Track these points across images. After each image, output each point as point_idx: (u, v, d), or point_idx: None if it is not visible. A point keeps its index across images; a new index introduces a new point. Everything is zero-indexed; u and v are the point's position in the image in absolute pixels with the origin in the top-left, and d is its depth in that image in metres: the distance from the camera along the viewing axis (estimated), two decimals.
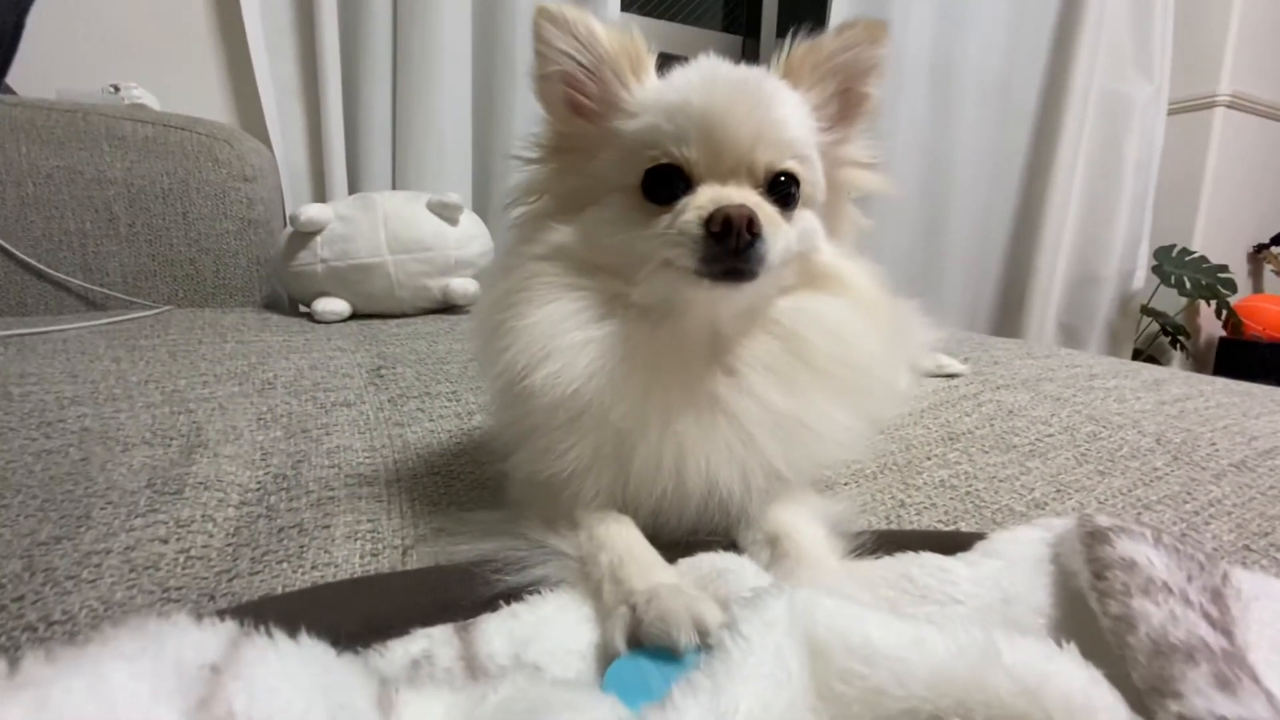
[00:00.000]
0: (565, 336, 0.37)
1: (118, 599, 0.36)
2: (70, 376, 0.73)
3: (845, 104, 0.42)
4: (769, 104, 0.38)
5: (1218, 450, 0.57)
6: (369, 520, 0.44)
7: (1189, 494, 0.49)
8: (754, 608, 0.24)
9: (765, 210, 0.35)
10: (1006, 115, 2.02)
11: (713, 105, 0.36)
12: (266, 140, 1.35)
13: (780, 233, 0.36)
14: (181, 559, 0.40)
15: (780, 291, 0.40)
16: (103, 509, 0.45)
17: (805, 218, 0.40)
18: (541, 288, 0.39)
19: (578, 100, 0.40)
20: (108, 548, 0.40)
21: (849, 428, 0.40)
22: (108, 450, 0.54)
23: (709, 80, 0.38)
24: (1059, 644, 0.25)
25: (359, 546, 0.41)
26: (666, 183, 0.37)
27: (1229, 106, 2.22)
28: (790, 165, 0.38)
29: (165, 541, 0.41)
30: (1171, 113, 2.17)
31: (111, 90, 1.22)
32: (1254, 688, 0.22)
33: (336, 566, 0.39)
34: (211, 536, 0.43)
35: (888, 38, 0.41)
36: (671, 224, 0.35)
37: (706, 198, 0.35)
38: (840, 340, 0.39)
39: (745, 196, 0.35)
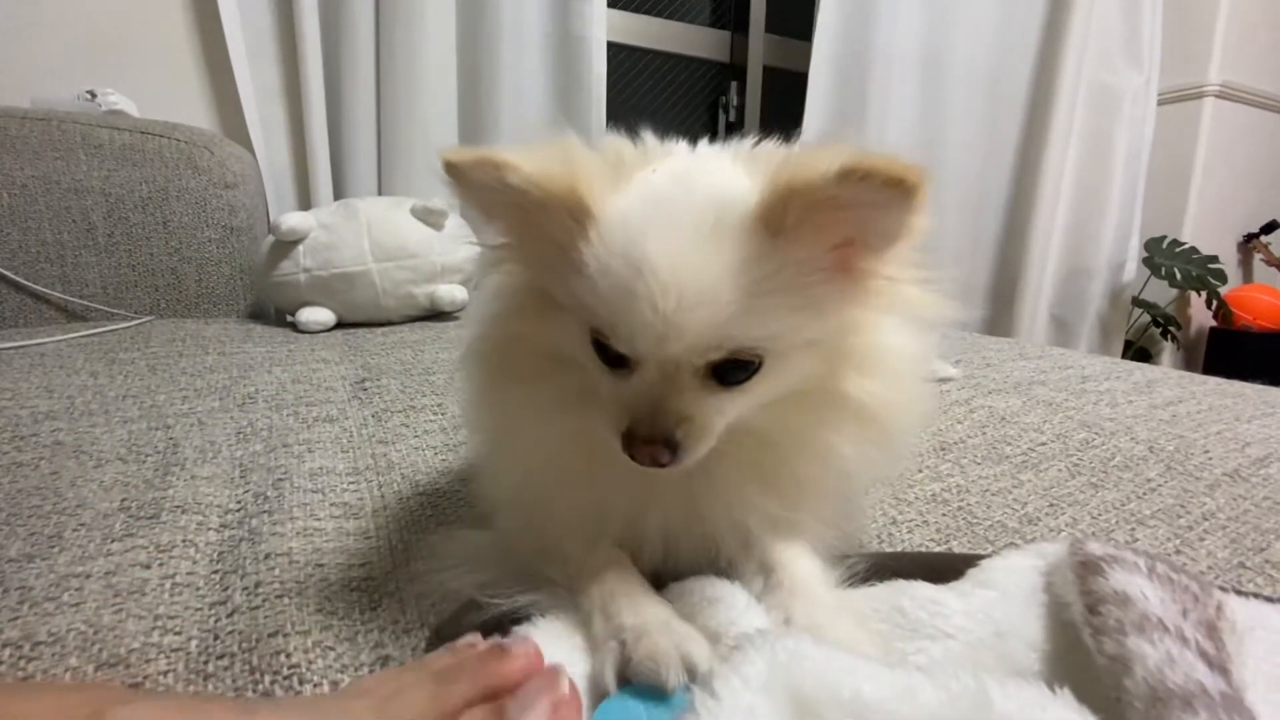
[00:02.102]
0: (526, 426, 0.36)
1: (105, 623, 0.36)
2: (46, 391, 0.71)
3: (852, 256, 0.31)
4: (703, 289, 0.29)
5: (1211, 459, 0.56)
6: (360, 565, 0.42)
7: (1183, 507, 0.48)
8: (732, 663, 0.23)
9: (689, 413, 0.31)
10: (996, 107, 2.02)
11: (636, 296, 0.29)
12: (248, 145, 1.33)
13: (712, 423, 0.32)
14: (167, 585, 0.39)
15: (764, 406, 0.34)
16: (75, 530, 0.44)
17: (787, 361, 0.32)
18: (514, 367, 0.37)
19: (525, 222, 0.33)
20: (86, 571, 0.40)
21: (838, 516, 0.38)
22: (80, 465, 0.54)
23: (636, 255, 0.29)
24: (1053, 685, 0.24)
25: (356, 599, 0.39)
26: (608, 348, 0.32)
27: (1218, 96, 2.22)
28: (739, 354, 0.31)
29: (147, 567, 0.41)
30: (1161, 103, 2.17)
31: (88, 97, 1.20)
32: None
33: (338, 616, 0.38)
34: (195, 562, 0.42)
35: (923, 197, 0.28)
36: (604, 401, 0.33)
37: (630, 394, 0.32)
38: (822, 464, 0.35)
39: (667, 403, 0.31)
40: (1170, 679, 0.23)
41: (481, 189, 0.32)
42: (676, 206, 0.31)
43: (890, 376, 0.34)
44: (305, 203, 1.42)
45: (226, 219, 1.20)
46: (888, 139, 1.87)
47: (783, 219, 0.29)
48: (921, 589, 0.32)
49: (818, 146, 0.30)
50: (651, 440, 0.31)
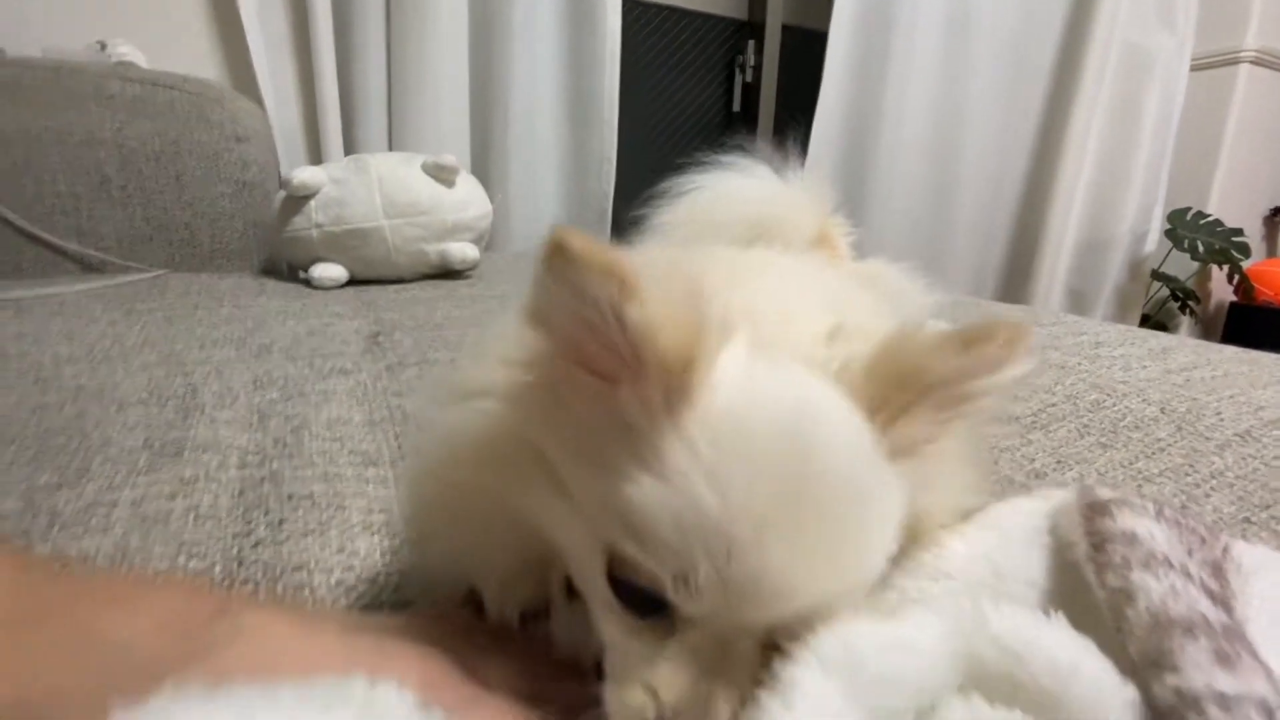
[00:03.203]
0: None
1: (133, 545, 0.37)
2: (67, 337, 0.73)
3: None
4: (854, 554, 0.24)
5: (1223, 420, 0.56)
6: (380, 511, 0.43)
7: (1191, 465, 0.48)
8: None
9: (745, 688, 0.23)
10: (1022, 70, 1.96)
11: (741, 558, 0.21)
12: (258, 99, 1.32)
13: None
14: (191, 515, 0.41)
15: None
16: (101, 464, 0.46)
17: None
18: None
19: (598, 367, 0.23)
20: (114, 500, 0.41)
21: None
22: (102, 408, 0.55)
23: (789, 523, 0.21)
24: (1047, 613, 0.25)
25: (377, 542, 0.40)
26: (639, 587, 0.22)
27: (1254, 63, 2.14)
28: None
29: (172, 498, 0.42)
30: (1194, 69, 2.10)
31: (98, 47, 1.19)
32: (1253, 663, 0.22)
33: (360, 556, 0.38)
34: (218, 496, 0.43)
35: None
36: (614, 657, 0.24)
37: (667, 665, 0.22)
38: None
39: (725, 682, 0.22)
40: (1173, 609, 0.24)
41: (579, 298, 0.21)
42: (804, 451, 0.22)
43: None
44: (316, 158, 1.41)
45: (239, 173, 1.20)
46: (907, 102, 1.82)
47: (908, 441, 0.26)
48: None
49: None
50: None
